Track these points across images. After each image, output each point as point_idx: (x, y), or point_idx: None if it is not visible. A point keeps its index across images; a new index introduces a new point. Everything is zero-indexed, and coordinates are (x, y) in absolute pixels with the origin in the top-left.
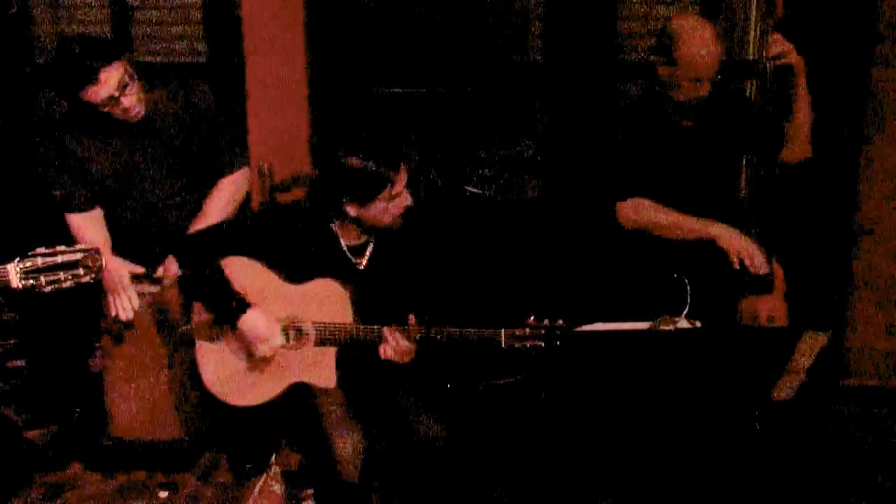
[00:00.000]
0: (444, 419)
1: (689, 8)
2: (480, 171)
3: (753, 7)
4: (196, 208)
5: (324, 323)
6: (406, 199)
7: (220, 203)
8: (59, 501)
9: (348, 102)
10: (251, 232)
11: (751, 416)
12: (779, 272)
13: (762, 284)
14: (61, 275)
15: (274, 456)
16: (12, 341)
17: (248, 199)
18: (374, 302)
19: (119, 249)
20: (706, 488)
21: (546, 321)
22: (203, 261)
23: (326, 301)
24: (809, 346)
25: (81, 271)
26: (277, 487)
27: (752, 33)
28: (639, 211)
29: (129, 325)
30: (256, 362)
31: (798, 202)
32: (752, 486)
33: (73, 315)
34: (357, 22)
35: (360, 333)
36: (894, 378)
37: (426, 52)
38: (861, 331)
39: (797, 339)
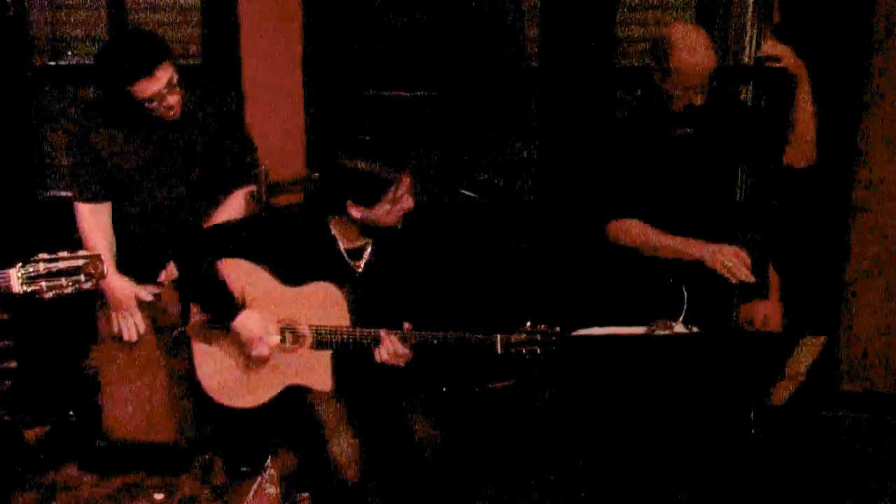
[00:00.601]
0: (441, 422)
1: (686, 12)
2: (476, 176)
3: (749, 12)
4: (205, 213)
5: (320, 325)
6: (408, 201)
7: (231, 213)
8: (54, 503)
9: (345, 105)
10: (249, 234)
11: (747, 421)
12: (774, 277)
13: (753, 290)
14: (63, 281)
15: (270, 458)
16: (6, 342)
17: None
18: (370, 305)
19: (123, 249)
20: (703, 492)
21: (542, 326)
22: (200, 261)
23: (323, 304)
24: (806, 351)
25: (83, 278)
26: (272, 490)
27: (748, 38)
28: (625, 233)
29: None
30: (253, 364)
31: (795, 206)
32: (748, 490)
33: (68, 316)
34: (354, 25)
35: (357, 337)
36: (890, 382)
37: (423, 55)
38: (858, 335)
39: (794, 344)
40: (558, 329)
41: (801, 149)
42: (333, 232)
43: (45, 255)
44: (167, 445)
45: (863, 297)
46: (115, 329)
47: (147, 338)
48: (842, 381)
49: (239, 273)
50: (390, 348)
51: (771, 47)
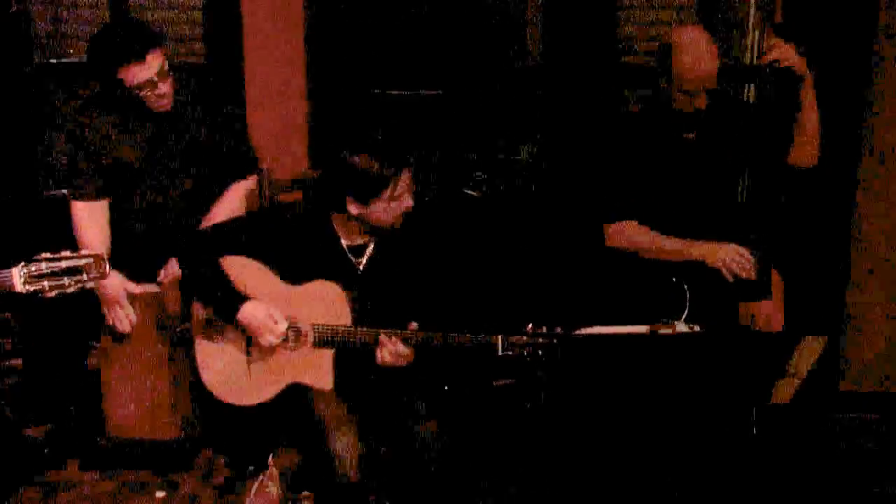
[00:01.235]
0: (442, 421)
1: (688, 12)
2: (479, 175)
3: (752, 11)
4: (203, 209)
5: (322, 324)
6: (408, 201)
7: (230, 207)
8: (55, 501)
9: (347, 104)
10: (251, 231)
11: (749, 420)
12: (776, 277)
13: (755, 290)
14: (65, 280)
15: (272, 456)
16: (8, 340)
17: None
18: (372, 303)
19: (120, 245)
20: (704, 492)
21: (544, 328)
22: (202, 258)
23: (325, 302)
24: (808, 351)
25: (86, 277)
26: (273, 488)
27: (751, 37)
28: (623, 236)
29: (126, 336)
30: (255, 362)
31: (798, 206)
32: (749, 490)
33: (71, 314)
34: (356, 24)
35: (358, 336)
36: (892, 384)
37: (425, 54)
38: (859, 335)
39: (796, 343)
40: (560, 330)
41: (805, 148)
42: (336, 229)
43: (47, 255)
44: (169, 443)
45: (867, 298)
46: (108, 321)
47: (149, 336)
48: (845, 381)
49: (241, 270)
50: (391, 349)
51: (775, 46)
